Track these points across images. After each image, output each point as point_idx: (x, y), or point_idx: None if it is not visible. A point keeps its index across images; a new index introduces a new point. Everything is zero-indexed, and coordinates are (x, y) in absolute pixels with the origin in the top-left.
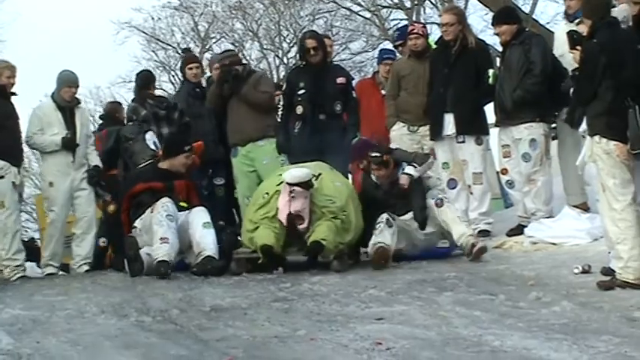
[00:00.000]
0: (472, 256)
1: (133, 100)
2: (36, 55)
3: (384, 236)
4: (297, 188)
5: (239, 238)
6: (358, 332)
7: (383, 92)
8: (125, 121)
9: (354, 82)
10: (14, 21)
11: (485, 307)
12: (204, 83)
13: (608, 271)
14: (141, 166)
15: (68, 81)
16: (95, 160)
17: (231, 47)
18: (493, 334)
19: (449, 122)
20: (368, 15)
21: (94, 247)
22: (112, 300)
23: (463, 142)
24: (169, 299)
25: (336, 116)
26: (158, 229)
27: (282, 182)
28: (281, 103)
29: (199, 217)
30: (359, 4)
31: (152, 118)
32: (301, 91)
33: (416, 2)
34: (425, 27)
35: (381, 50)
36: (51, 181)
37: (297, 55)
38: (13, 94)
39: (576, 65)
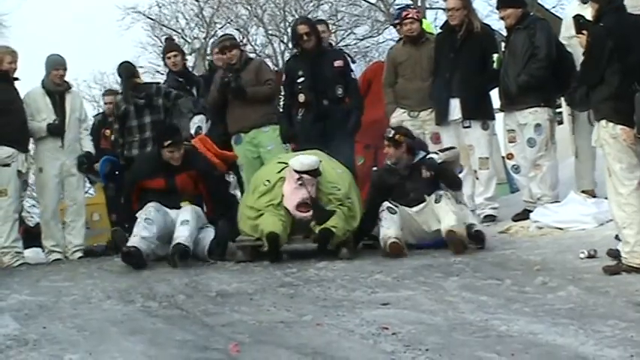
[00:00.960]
0: (453, 249)
1: (121, 94)
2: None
3: (390, 228)
4: (305, 176)
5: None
6: (364, 317)
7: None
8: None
9: (362, 67)
10: (19, 7)
11: (491, 292)
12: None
13: (615, 253)
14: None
15: (55, 63)
16: (88, 145)
17: (235, 33)
18: (499, 318)
19: (455, 107)
20: (373, 0)
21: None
22: (118, 286)
23: (469, 127)
24: (175, 285)
25: (338, 100)
26: (136, 226)
27: (283, 169)
28: (282, 92)
29: (181, 216)
30: None
31: (133, 111)
32: (301, 79)
33: None
34: (419, 12)
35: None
36: (41, 167)
37: (291, 42)
38: (16, 79)
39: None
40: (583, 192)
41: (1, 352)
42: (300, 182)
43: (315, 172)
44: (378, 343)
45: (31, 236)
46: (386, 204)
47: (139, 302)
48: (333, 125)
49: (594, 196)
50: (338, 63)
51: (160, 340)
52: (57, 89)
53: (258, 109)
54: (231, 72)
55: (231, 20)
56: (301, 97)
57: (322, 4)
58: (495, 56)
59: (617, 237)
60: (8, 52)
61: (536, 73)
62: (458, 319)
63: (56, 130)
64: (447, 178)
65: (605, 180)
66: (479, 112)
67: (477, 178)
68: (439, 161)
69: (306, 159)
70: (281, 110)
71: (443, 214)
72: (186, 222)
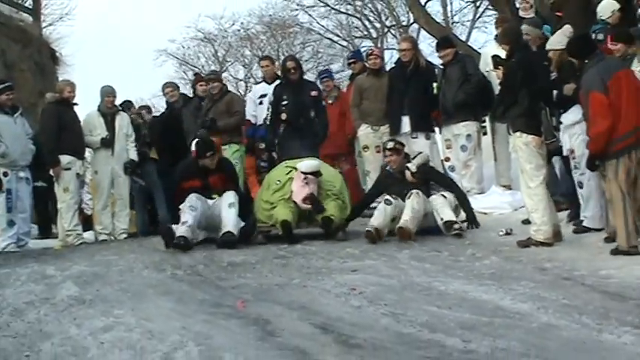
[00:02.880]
0: (452, 232)
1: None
2: (95, 74)
3: (377, 219)
4: (309, 176)
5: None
6: (338, 281)
7: (329, 101)
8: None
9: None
10: (78, 50)
11: (433, 261)
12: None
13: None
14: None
15: (107, 92)
16: (132, 154)
17: (241, 69)
18: (439, 281)
19: (405, 123)
20: (344, 43)
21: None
22: (153, 258)
23: (416, 137)
24: (196, 257)
25: (311, 121)
26: (182, 215)
27: (290, 171)
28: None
29: (225, 200)
30: (337, 35)
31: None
32: (284, 102)
33: (380, 34)
34: (382, 51)
35: (320, 73)
36: (96, 170)
37: (281, 73)
38: (75, 104)
39: (498, 80)
40: (502, 186)
41: (65, 308)
42: (305, 181)
43: (317, 174)
44: (348, 300)
45: (88, 222)
46: (385, 196)
47: (169, 271)
48: (306, 138)
49: (510, 189)
50: (314, 93)
51: (185, 299)
52: (109, 111)
53: (224, 134)
54: (211, 100)
55: (238, 59)
56: (283, 116)
57: (307, 47)
58: (435, 84)
59: (523, 222)
60: (68, 84)
61: (470, 91)
62: (408, 281)
63: (107, 143)
64: (435, 179)
65: (518, 176)
66: (423, 126)
67: None
68: (414, 168)
69: (310, 163)
70: (268, 124)
71: (405, 210)
72: (232, 204)
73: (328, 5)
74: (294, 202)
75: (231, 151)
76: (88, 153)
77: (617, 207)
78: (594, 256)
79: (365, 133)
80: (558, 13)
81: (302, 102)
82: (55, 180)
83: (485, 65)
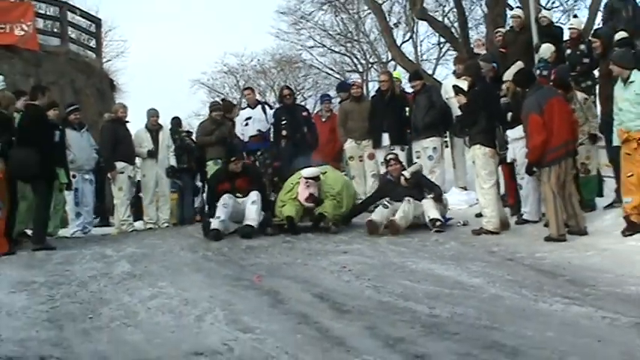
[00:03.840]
0: (435, 228)
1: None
2: (142, 98)
3: (376, 215)
4: (310, 180)
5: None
6: (332, 260)
7: (323, 119)
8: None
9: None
10: (131, 80)
11: (406, 245)
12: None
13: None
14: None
15: (152, 113)
16: (172, 161)
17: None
18: (411, 261)
19: (385, 138)
20: (338, 76)
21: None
22: (188, 242)
23: (394, 149)
24: (222, 242)
25: (304, 135)
26: (217, 211)
27: (300, 177)
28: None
29: (249, 199)
30: (332, 70)
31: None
32: (284, 122)
33: (365, 68)
34: (362, 83)
35: (322, 96)
36: (144, 174)
37: (278, 99)
38: (127, 122)
39: (459, 104)
40: (460, 187)
41: (120, 281)
42: (307, 184)
43: (316, 178)
44: (340, 276)
45: (138, 213)
46: (384, 200)
47: (201, 252)
48: (302, 149)
49: (466, 190)
50: (304, 114)
51: (213, 275)
52: (154, 128)
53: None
54: (215, 124)
55: (255, 88)
56: (283, 132)
57: (308, 78)
58: (407, 108)
59: (476, 215)
60: (121, 106)
61: (435, 115)
62: (387, 261)
63: (153, 154)
64: (424, 185)
65: (473, 180)
66: (399, 140)
67: None
68: (407, 175)
69: (311, 170)
70: (272, 140)
71: (398, 211)
72: (254, 202)
73: (325, 46)
74: (299, 201)
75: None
76: (137, 160)
77: (550, 204)
78: (532, 242)
79: (350, 146)
80: (503, 50)
81: (297, 121)
82: (111, 181)
83: (445, 93)
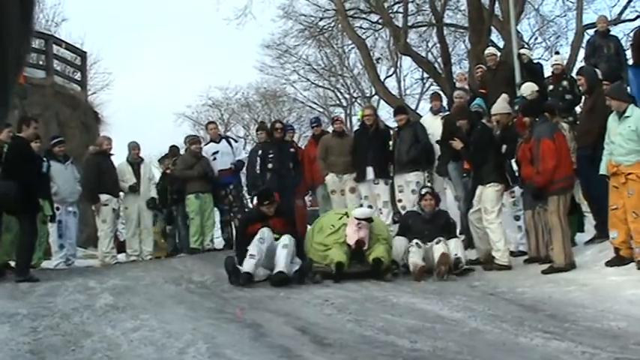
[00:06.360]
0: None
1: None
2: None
3: (418, 257)
4: (363, 222)
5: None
6: (314, 294)
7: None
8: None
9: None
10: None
11: (389, 280)
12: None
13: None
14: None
15: (134, 146)
16: (153, 193)
17: (241, 130)
18: (393, 295)
19: (369, 172)
20: (321, 110)
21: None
22: (172, 275)
23: (377, 183)
24: (206, 275)
25: (290, 170)
26: (251, 247)
27: (342, 217)
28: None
29: (281, 242)
30: (316, 103)
31: None
32: (271, 155)
33: (349, 103)
34: (343, 119)
35: (311, 120)
36: (126, 207)
37: (269, 131)
38: (112, 154)
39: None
40: None
41: (103, 313)
42: (359, 226)
43: (369, 220)
44: (322, 309)
45: (121, 246)
46: (415, 241)
47: (184, 284)
48: (287, 183)
49: None
50: (292, 150)
51: (196, 307)
52: (135, 161)
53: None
54: (195, 157)
55: (239, 121)
56: (270, 166)
57: (292, 112)
58: (391, 142)
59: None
60: (106, 138)
61: (420, 151)
62: (369, 295)
63: (134, 189)
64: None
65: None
66: (383, 174)
67: (381, 213)
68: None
69: (364, 211)
70: (258, 172)
71: (435, 253)
72: (285, 246)
73: (309, 80)
74: (348, 245)
75: (196, 200)
76: (121, 193)
77: (557, 234)
78: (513, 277)
79: (332, 180)
80: (482, 91)
81: (285, 156)
82: (95, 213)
83: (427, 128)
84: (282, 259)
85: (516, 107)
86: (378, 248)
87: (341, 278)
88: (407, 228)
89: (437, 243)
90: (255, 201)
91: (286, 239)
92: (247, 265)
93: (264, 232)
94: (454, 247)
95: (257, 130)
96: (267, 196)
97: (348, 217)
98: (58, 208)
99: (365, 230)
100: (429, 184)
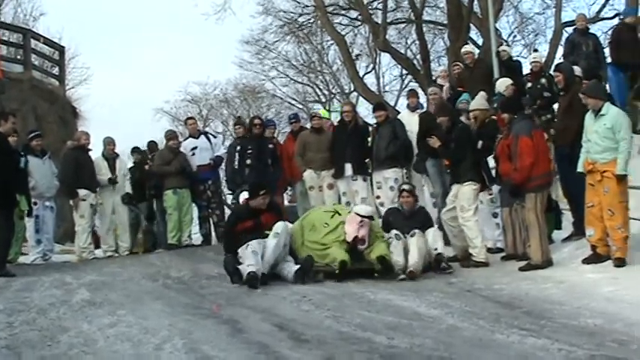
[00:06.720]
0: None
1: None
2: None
3: (398, 252)
4: (365, 219)
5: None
6: (292, 290)
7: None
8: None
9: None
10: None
11: (365, 276)
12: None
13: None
14: (240, 204)
15: (108, 142)
16: (128, 188)
17: (220, 125)
18: (370, 291)
19: (348, 168)
20: (300, 106)
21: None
22: (149, 271)
23: (356, 179)
24: (183, 271)
25: (268, 166)
26: (246, 259)
27: (334, 215)
28: (237, 157)
29: (273, 230)
30: (295, 100)
31: None
32: (250, 151)
33: (328, 99)
34: (321, 115)
35: (289, 116)
36: (101, 202)
37: (248, 127)
38: (90, 149)
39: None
40: None
41: (79, 309)
42: (361, 224)
43: (371, 217)
44: (300, 305)
45: (99, 241)
46: (393, 231)
47: (161, 280)
48: (266, 179)
49: None
50: (271, 145)
51: (173, 303)
52: (111, 157)
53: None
54: (173, 153)
55: (218, 117)
56: (248, 161)
57: (271, 108)
58: (369, 139)
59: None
60: (84, 133)
61: (399, 147)
62: (347, 291)
63: (112, 182)
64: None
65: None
66: (361, 170)
67: None
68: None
69: (367, 208)
70: (236, 167)
71: (412, 251)
72: (276, 235)
73: (288, 76)
74: (348, 243)
75: (174, 195)
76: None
77: (535, 231)
78: (490, 273)
79: (310, 176)
80: (460, 89)
81: (263, 152)
82: (74, 208)
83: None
84: (268, 254)
85: (495, 105)
86: (379, 246)
87: (344, 276)
88: (388, 224)
89: (412, 236)
90: (243, 197)
91: (279, 227)
92: (250, 269)
93: (254, 245)
94: (432, 240)
95: (235, 125)
96: (262, 186)
97: (340, 214)
98: (35, 203)
99: (366, 228)
100: (407, 181)
